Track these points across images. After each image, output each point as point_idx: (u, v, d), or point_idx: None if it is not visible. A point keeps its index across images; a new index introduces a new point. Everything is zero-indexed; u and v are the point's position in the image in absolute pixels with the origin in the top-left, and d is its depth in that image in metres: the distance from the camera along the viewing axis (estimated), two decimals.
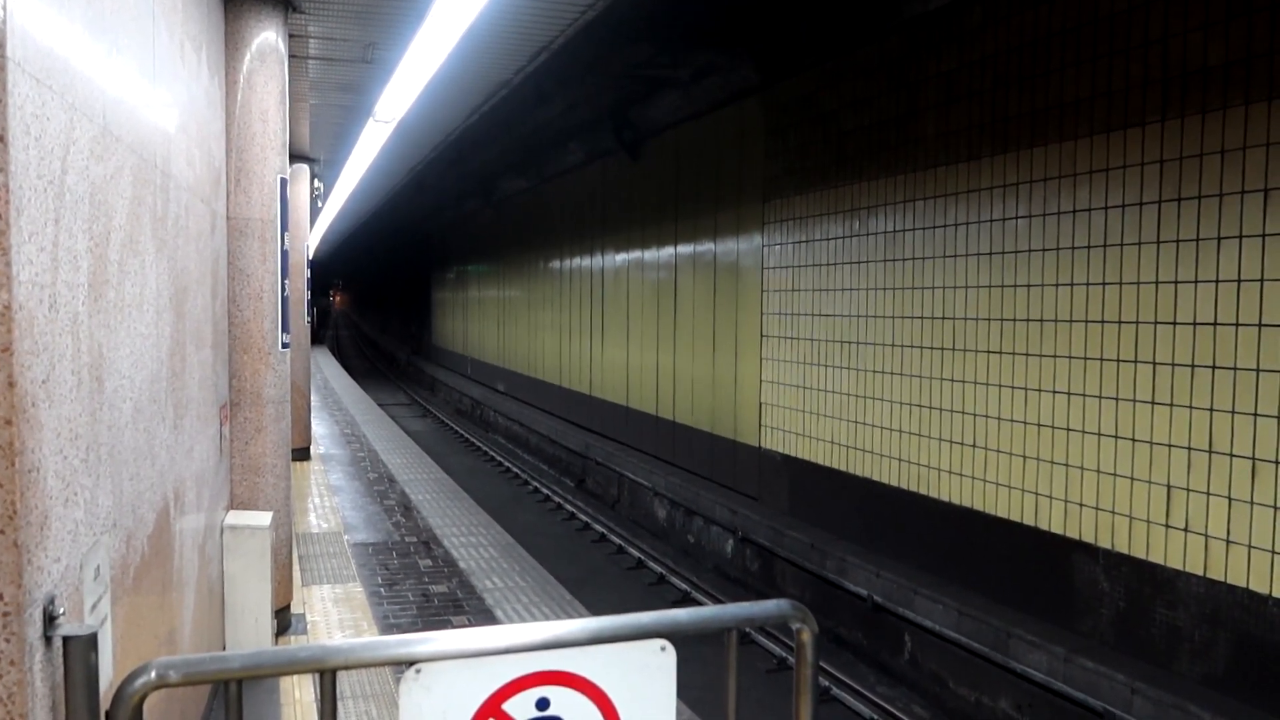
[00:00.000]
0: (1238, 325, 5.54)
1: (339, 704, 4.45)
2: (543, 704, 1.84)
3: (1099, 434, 6.44)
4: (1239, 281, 5.53)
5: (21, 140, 1.80)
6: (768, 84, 10.41)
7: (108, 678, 2.20)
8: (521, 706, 1.82)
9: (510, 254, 22.98)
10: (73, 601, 2.05)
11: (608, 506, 14.66)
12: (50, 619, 1.85)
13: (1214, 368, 5.68)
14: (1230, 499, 5.60)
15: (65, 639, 1.83)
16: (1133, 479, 6.21)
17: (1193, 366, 5.81)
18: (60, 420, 2.03)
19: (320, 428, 15.61)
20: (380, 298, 55.39)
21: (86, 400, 2.26)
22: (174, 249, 3.54)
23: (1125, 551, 6.27)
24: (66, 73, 2.14)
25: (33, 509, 1.82)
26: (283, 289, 5.70)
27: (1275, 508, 5.36)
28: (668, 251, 13.54)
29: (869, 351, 8.88)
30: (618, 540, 12.37)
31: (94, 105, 2.39)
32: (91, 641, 1.84)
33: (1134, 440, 6.19)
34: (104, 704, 1.80)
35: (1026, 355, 7.03)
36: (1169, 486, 5.98)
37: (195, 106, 4.24)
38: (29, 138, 1.85)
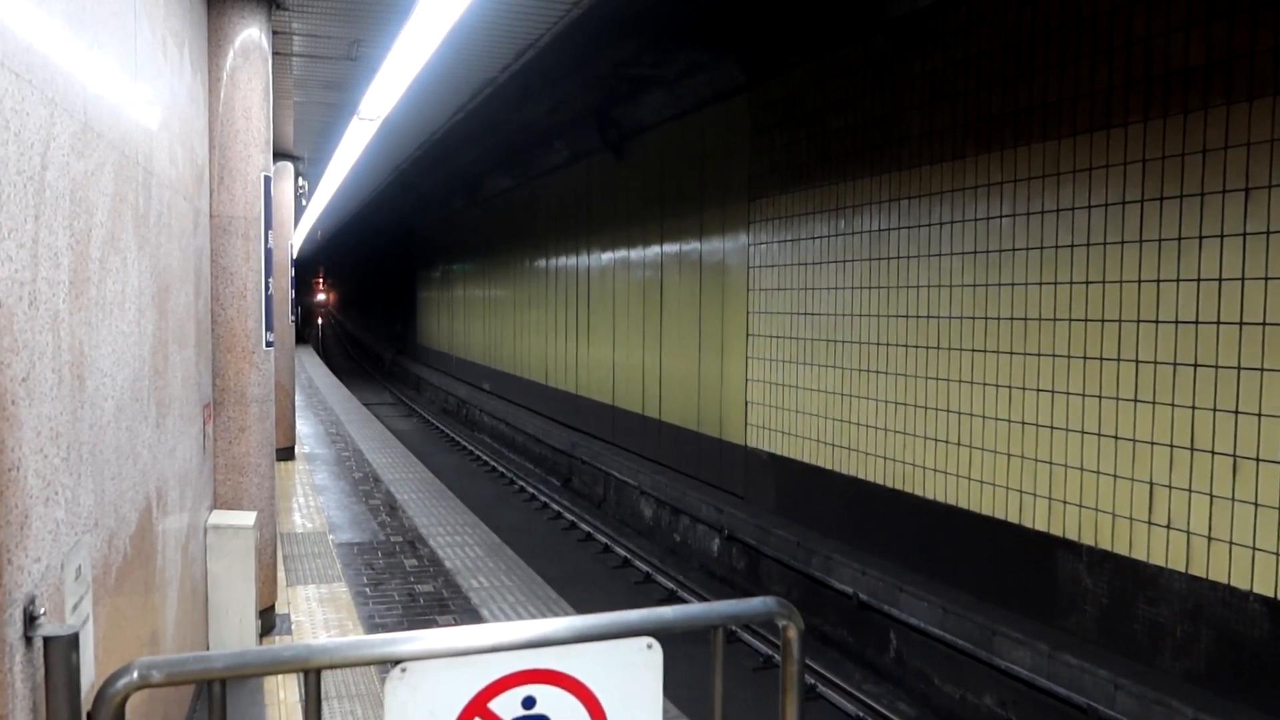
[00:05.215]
0: (1219, 323, 5.58)
1: (324, 704, 4.43)
2: (529, 702, 1.83)
3: (1082, 432, 6.48)
4: (1220, 280, 5.58)
5: (0, 135, 1.79)
6: (753, 83, 10.42)
7: (89, 678, 2.18)
8: (508, 705, 1.82)
9: (496, 253, 22.94)
10: (54, 601, 2.04)
11: (594, 505, 14.65)
12: (31, 619, 1.83)
13: (1196, 366, 5.72)
14: (1212, 496, 5.65)
15: (46, 639, 1.82)
16: (1116, 476, 6.26)
17: (1175, 364, 5.85)
18: (40, 419, 2.01)
19: (305, 427, 15.53)
20: (365, 296, 55.18)
21: (67, 398, 2.24)
22: (156, 246, 3.52)
23: (1108, 548, 6.31)
24: (46, 68, 2.12)
25: (12, 508, 1.81)
26: (267, 287, 5.66)
27: (1256, 504, 5.41)
28: (653, 250, 13.54)
29: (854, 350, 8.91)
30: (604, 539, 12.36)
31: (74, 101, 2.37)
32: (73, 642, 1.82)
33: (1117, 438, 6.24)
34: (85, 705, 1.78)
35: (1010, 354, 7.07)
36: (1151, 484, 6.02)
37: (178, 103, 4.21)
38: (8, 133, 1.83)
